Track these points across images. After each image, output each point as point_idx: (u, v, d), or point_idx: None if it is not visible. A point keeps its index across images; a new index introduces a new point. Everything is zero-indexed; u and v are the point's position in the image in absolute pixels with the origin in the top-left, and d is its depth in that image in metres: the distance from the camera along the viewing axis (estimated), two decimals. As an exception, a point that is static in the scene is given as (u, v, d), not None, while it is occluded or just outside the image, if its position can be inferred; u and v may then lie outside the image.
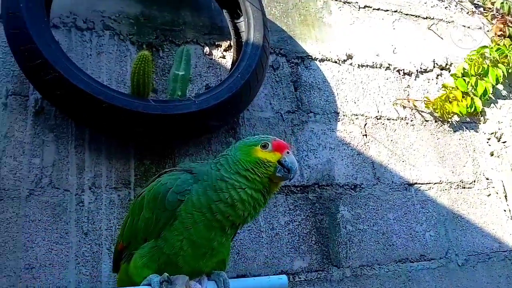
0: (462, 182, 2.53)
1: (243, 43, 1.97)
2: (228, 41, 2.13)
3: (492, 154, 2.69)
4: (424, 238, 2.28)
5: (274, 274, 1.89)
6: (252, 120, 2.10)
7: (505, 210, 2.58)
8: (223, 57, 2.12)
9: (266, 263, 1.90)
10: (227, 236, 1.13)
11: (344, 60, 2.43)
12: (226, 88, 1.79)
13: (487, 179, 2.61)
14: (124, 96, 1.62)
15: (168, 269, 1.06)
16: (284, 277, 1.17)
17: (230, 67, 2.06)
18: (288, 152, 1.12)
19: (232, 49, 2.09)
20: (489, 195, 2.57)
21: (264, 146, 1.12)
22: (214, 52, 2.10)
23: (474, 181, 2.56)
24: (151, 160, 1.85)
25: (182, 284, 0.97)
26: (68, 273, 1.60)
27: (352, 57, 2.46)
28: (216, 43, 2.11)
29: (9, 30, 1.60)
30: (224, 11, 2.08)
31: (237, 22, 2.05)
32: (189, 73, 1.79)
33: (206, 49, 2.08)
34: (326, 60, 2.38)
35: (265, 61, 1.95)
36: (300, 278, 1.92)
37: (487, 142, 2.71)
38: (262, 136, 1.18)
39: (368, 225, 2.17)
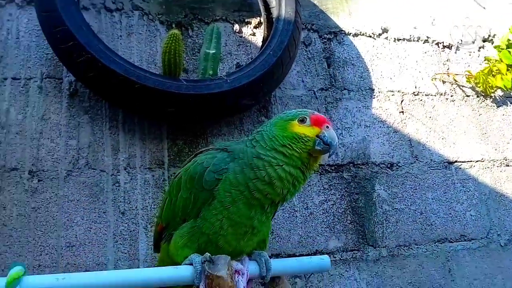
0: (506, 160, 2.40)
1: (274, 19, 1.91)
2: (258, 18, 2.07)
3: (539, 130, 2.53)
4: (464, 217, 2.19)
5: (308, 254, 1.87)
6: (284, 98, 2.05)
7: (552, 189, 2.44)
8: (253, 34, 2.07)
9: (301, 243, 1.88)
10: (267, 215, 1.10)
11: (380, 34, 2.33)
12: (258, 66, 1.75)
13: (533, 156, 2.46)
14: (156, 76, 1.61)
15: (208, 248, 1.04)
16: (326, 257, 1.14)
17: (261, 44, 2.01)
18: (327, 127, 1.07)
19: (262, 26, 2.03)
20: (535, 173, 2.44)
21: (302, 121, 1.08)
22: (244, 29, 2.05)
23: (519, 159, 2.43)
24: (184, 141, 1.85)
25: (224, 263, 0.96)
26: (107, 251, 1.64)
27: (388, 30, 2.35)
28: (246, 20, 2.06)
29: (41, 13, 1.61)
30: (254, -14, 2.02)
31: (267, -3, 1.99)
32: (220, 51, 1.76)
33: (236, 26, 2.03)
34: (360, 34, 2.29)
35: (298, 37, 1.89)
36: (335, 257, 1.90)
37: (534, 117, 2.55)
38: (300, 110, 1.12)
39: (406, 205, 2.11)
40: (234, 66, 1.99)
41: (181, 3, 1.92)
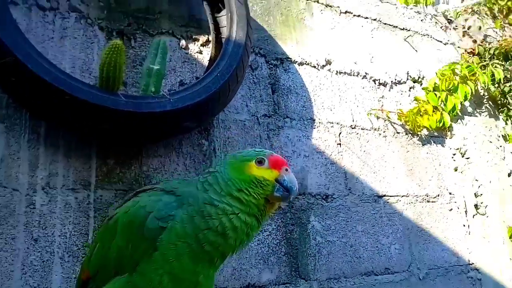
0: (427, 196, 2.56)
1: (223, 39, 1.83)
2: (207, 36, 1.98)
3: (456, 170, 2.74)
4: (389, 251, 2.27)
5: (241, 287, 1.79)
6: (227, 122, 1.97)
7: (464, 225, 2.65)
8: (200, 52, 1.97)
9: (234, 275, 1.80)
10: (215, 268, 1.00)
11: (323, 66, 2.36)
12: (204, 87, 1.65)
13: (450, 193, 2.66)
14: (90, 88, 1.44)
15: None
16: None
17: (207, 64, 1.91)
18: (286, 170, 1.00)
19: (210, 45, 1.95)
20: (451, 209, 2.62)
21: (260, 162, 1.00)
22: (191, 46, 1.94)
23: (438, 195, 2.60)
24: (115, 160, 1.67)
25: None
26: (12, 284, 1.41)
27: (331, 62, 2.40)
28: (194, 36, 1.96)
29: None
30: (205, 3, 1.93)
31: (218, 17, 1.91)
32: (164, 68, 1.63)
33: (182, 42, 1.92)
34: (305, 64, 2.30)
35: (246, 62, 1.83)
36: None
37: (452, 157, 2.76)
38: (257, 149, 1.04)
39: (337, 237, 2.13)
40: (178, 83, 1.87)
41: (125, 10, 1.77)
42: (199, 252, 0.93)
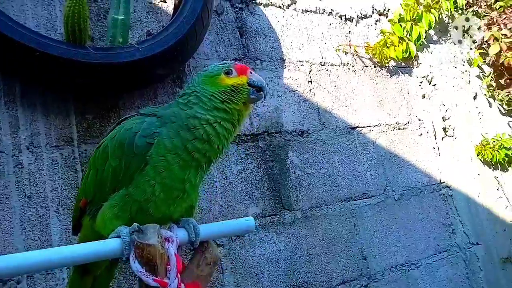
0: (398, 124, 2.69)
1: (185, -15, 1.83)
2: (168, -17, 1.97)
3: (423, 97, 2.87)
4: (365, 177, 2.43)
5: (229, 222, 1.92)
6: (198, 68, 2.01)
7: (434, 148, 2.82)
8: (164, 1, 1.97)
9: (222, 212, 1.92)
10: (202, 174, 1.11)
11: (289, 5, 2.39)
12: (170, 34, 1.68)
13: (419, 120, 2.80)
14: (59, 43, 1.46)
15: (138, 218, 1.02)
16: (250, 219, 1.19)
17: (172, 12, 1.92)
18: (251, 72, 1.11)
19: (173, -8, 1.94)
20: (421, 134, 2.78)
21: (228, 73, 1.09)
22: (154, -5, 1.94)
23: (408, 122, 2.74)
24: (94, 115, 1.72)
25: (154, 232, 0.95)
26: (14, 240, 1.49)
27: (296, 1, 2.42)
28: (155, -15, 1.95)
29: None
30: (162, -51, 1.90)
31: (177, -38, 1.89)
32: (129, 17, 1.64)
33: (145, -9, 1.91)
34: (270, 5, 2.32)
35: (210, 5, 1.85)
36: (255, 223, 1.97)
37: (419, 85, 2.88)
38: (220, 64, 1.13)
39: (316, 169, 2.26)
40: (145, 34, 1.89)
41: (82, -38, 1.74)
42: (189, 160, 1.04)
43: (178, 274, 0.95)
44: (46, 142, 1.61)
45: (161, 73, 1.75)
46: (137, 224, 0.97)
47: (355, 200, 2.35)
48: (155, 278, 0.91)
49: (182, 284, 0.95)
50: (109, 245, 0.95)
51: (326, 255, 2.13)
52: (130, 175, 1.03)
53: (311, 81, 2.39)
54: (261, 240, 1.97)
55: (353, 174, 2.39)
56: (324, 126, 2.36)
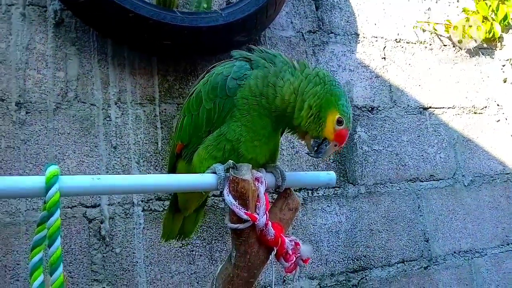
0: (474, 108, 2.56)
1: (267, -46, 1.86)
2: (250, -47, 2.01)
3: (505, 81, 2.70)
4: (434, 159, 2.36)
5: (296, 191, 1.97)
6: (273, 39, 2.06)
7: (511, 136, 2.65)
8: (245, -30, 2.01)
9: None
10: (278, 130, 1.13)
11: (367, -22, 2.33)
12: (252, 1, 1.73)
13: (498, 105, 2.64)
14: (150, 6, 1.56)
15: (231, 157, 1.06)
16: (332, 173, 1.20)
17: (252, -19, 1.96)
18: (335, 145, 1.06)
19: (254, -38, 1.98)
20: (498, 120, 2.63)
21: (340, 122, 1.03)
22: (235, -36, 1.99)
23: (486, 107, 2.60)
24: (175, 77, 1.83)
25: (247, 169, 0.99)
26: (100, 184, 1.64)
27: (375, -25, 2.36)
28: (237, -46, 1.99)
29: None
30: None
31: None
32: (214, -16, 1.71)
33: (227, -39, 1.97)
34: (348, -23, 2.28)
35: (291, -25, 1.87)
36: (318, 193, 2.01)
37: (501, 69, 2.71)
38: (347, 105, 1.05)
39: (383, 146, 2.23)
40: (225, 2, 1.95)
41: None
42: (265, 108, 1.05)
43: (267, 212, 1.00)
44: (131, 99, 1.75)
45: (239, 40, 1.80)
46: (232, 161, 1.02)
47: (422, 181, 2.29)
48: (246, 211, 0.96)
49: (269, 221, 1.00)
50: (206, 179, 1.01)
51: (387, 232, 2.12)
52: (223, 118, 1.08)
53: (384, 58, 2.34)
54: (324, 210, 2.01)
55: (422, 155, 2.33)
56: (395, 104, 2.32)
